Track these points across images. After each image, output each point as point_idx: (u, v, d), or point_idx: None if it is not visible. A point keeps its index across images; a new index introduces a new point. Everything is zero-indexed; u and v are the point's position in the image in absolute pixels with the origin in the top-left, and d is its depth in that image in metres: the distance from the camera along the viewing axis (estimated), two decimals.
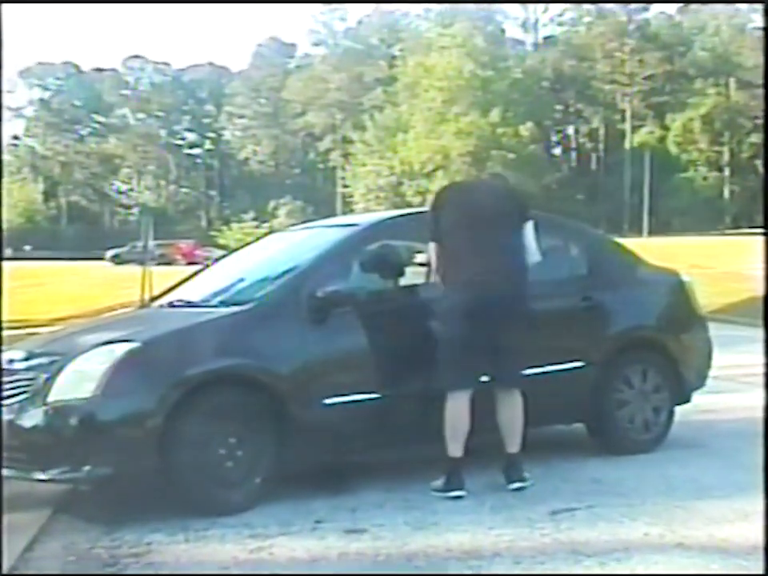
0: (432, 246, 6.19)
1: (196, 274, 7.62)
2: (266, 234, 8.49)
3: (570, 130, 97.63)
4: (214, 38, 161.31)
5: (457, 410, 5.94)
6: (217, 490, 5.58)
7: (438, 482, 5.93)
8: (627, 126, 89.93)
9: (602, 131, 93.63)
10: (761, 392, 8.17)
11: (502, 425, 6.10)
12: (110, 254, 60.65)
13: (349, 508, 5.68)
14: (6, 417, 5.52)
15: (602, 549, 4.82)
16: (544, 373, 6.53)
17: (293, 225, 10.38)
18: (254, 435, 5.69)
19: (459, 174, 76.32)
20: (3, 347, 6.39)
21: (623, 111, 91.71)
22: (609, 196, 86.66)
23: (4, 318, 7.15)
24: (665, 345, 7.27)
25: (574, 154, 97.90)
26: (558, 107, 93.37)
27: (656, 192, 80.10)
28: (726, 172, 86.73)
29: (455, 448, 5.96)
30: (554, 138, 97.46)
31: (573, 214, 52.64)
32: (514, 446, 6.10)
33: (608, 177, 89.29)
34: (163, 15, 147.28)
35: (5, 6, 8.48)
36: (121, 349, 5.51)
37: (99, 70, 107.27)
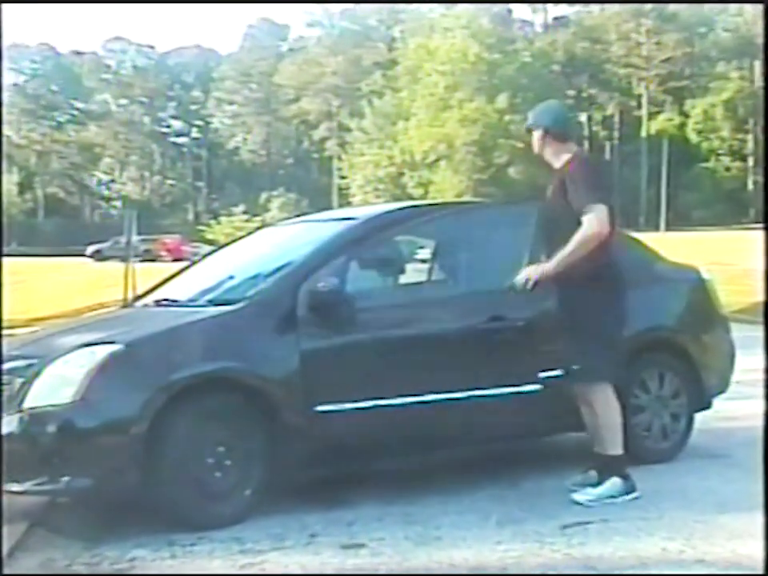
0: (603, 209, 6.01)
1: (182, 271, 7.62)
2: (257, 229, 8.49)
3: (583, 118, 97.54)
4: (202, 18, 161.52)
5: (615, 402, 6.02)
6: (205, 503, 5.58)
7: (606, 488, 5.96)
8: (644, 113, 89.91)
9: (616, 118, 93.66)
10: None
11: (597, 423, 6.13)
12: (90, 249, 60.69)
13: (346, 521, 5.68)
14: None
15: (617, 565, 4.82)
16: (554, 377, 6.53)
17: (286, 218, 10.37)
18: (245, 443, 5.69)
19: (463, 165, 76.54)
20: None
21: (639, 97, 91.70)
22: (624, 188, 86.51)
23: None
24: (684, 347, 7.27)
25: (586, 143, 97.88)
26: (570, 93, 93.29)
27: (674, 183, 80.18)
28: (750, 162, 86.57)
29: (618, 444, 6.03)
30: None
31: None
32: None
33: (623, 167, 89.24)
34: None
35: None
36: (102, 351, 5.50)
37: (78, 52, 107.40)
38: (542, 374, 6.47)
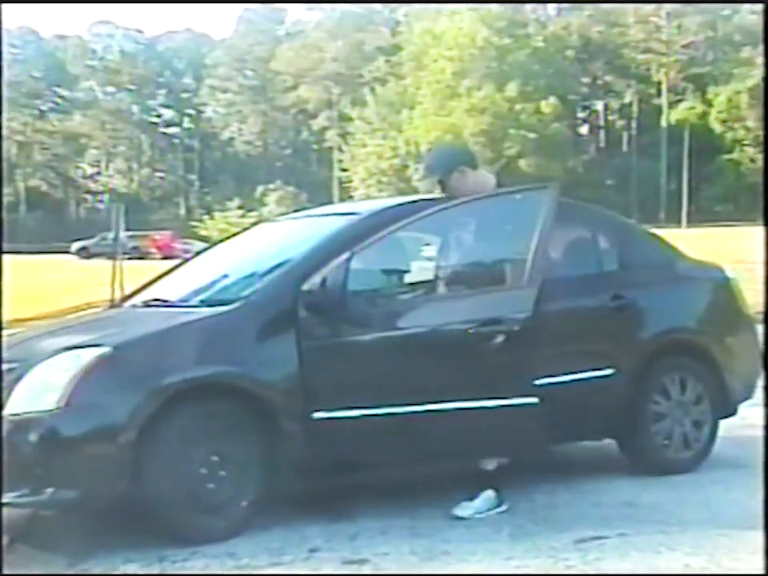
0: None
1: (174, 269, 7.61)
2: (253, 224, 8.49)
3: (599, 106, 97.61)
4: (193, 0, 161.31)
5: None
6: (197, 515, 5.58)
7: (481, 501, 6.04)
8: (663, 101, 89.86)
9: (634, 107, 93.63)
10: None
11: None
12: (75, 246, 60.74)
13: (348, 535, 5.68)
14: None
15: None
16: (568, 382, 6.54)
17: (283, 213, 10.36)
18: (240, 452, 5.69)
19: None
20: None
21: (659, 84, 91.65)
22: (642, 181, 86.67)
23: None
24: (707, 350, 7.28)
25: (602, 133, 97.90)
26: (585, 80, 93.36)
27: (696, 176, 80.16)
28: None
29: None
30: (580, 115, 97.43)
31: (601, 200, 52.57)
32: None
33: (641, 159, 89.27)
34: None
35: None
36: (88, 355, 5.50)
37: (62, 36, 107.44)
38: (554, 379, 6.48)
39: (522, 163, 77.12)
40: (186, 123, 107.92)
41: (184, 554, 5.35)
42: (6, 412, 5.41)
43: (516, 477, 6.18)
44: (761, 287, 7.77)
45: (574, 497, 6.36)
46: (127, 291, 8.24)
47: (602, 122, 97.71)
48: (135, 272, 15.59)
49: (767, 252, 7.09)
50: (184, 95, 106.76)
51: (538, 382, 6.17)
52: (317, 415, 5.81)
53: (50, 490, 5.31)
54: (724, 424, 7.35)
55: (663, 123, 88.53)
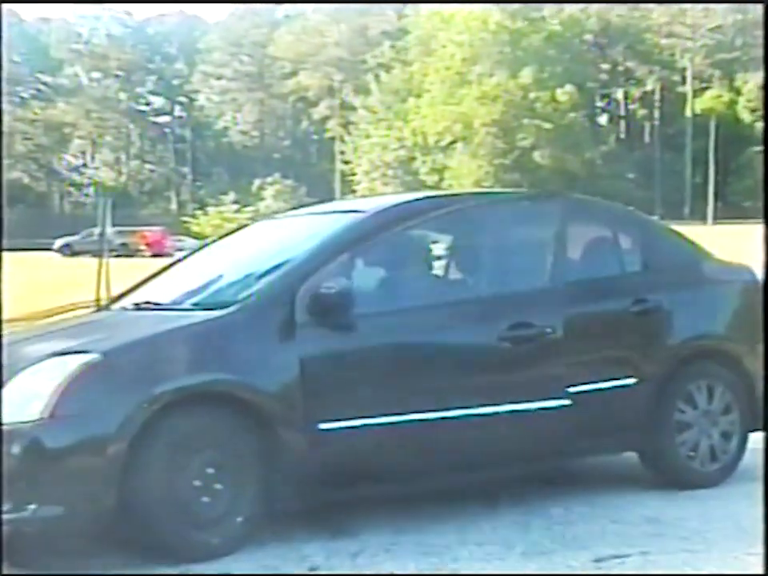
0: None
1: (165, 269, 7.63)
2: (249, 221, 8.51)
3: (619, 94, 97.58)
4: None
5: None
6: (191, 531, 5.58)
7: None
8: (688, 89, 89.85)
9: (657, 95, 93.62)
10: None
11: None
12: (59, 243, 60.85)
13: (350, 553, 5.69)
14: None
15: None
16: (587, 392, 6.55)
17: (281, 209, 10.37)
18: (237, 465, 5.70)
19: (483, 148, 76.58)
20: None
21: (684, 70, 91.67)
22: (666, 174, 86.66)
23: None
24: (735, 356, 7.28)
25: (623, 124, 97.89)
26: (604, 66, 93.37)
27: (723, 169, 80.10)
28: None
29: None
30: (599, 104, 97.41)
31: (621, 196, 52.59)
32: None
33: (665, 151, 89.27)
34: None
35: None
36: (75, 361, 5.51)
37: (45, 19, 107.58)
38: (572, 389, 6.51)
39: (537, 155, 77.18)
40: (178, 112, 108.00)
41: (176, 573, 5.35)
42: None
43: (530, 490, 6.19)
44: None
45: (592, 512, 6.36)
46: (115, 292, 8.25)
47: (622, 112, 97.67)
48: (123, 271, 15.62)
49: (767, 252, 7.10)
50: (175, 82, 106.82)
51: (554, 392, 6.19)
52: (324, 426, 5.83)
53: (32, 506, 5.30)
54: (753, 435, 7.34)
55: (688, 112, 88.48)
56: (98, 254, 20.84)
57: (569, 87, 79.89)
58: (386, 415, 6.01)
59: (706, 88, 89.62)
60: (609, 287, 7.00)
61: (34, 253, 50.05)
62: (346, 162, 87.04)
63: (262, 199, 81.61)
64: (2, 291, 7.85)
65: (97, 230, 23.52)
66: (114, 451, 5.38)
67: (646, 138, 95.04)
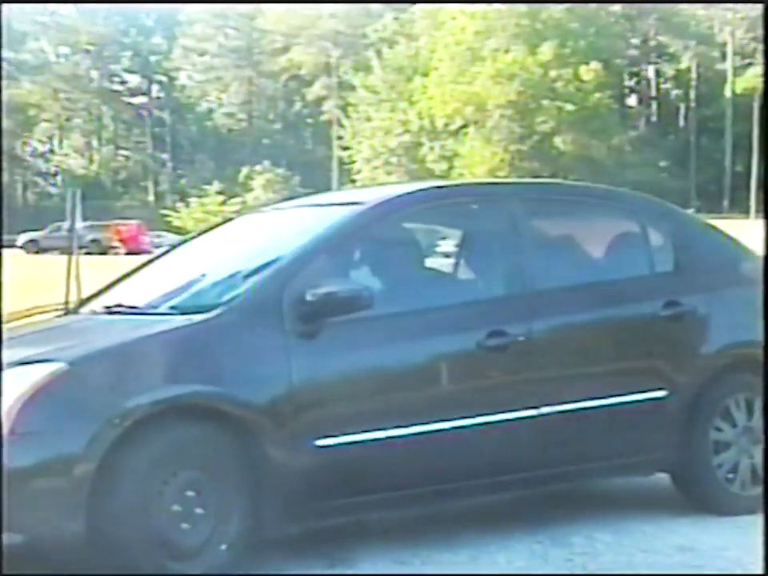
0: None
1: (141, 267, 7.63)
2: (236, 214, 8.51)
3: (650, 72, 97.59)
4: None
5: None
6: (168, 562, 5.57)
7: None
8: (728, 66, 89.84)
9: (693, 73, 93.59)
10: None
11: None
12: (23, 238, 60.88)
13: None
14: None
15: None
16: (613, 405, 6.56)
17: (272, 201, 10.38)
18: (220, 487, 5.70)
19: (497, 133, 76.59)
20: None
21: (723, 46, 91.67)
22: (703, 162, 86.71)
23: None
24: None
25: (654, 105, 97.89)
26: (634, 41, 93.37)
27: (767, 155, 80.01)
28: None
29: None
30: (628, 83, 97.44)
31: (653, 186, 52.57)
32: None
33: (701, 135, 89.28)
34: None
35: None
36: (39, 372, 5.52)
37: None
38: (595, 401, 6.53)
39: (558, 141, 77.18)
40: (156, 92, 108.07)
41: None
42: None
43: (549, 515, 6.18)
44: None
45: (618, 540, 6.36)
46: (85, 294, 8.26)
47: (653, 92, 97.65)
48: (94, 270, 15.63)
49: (767, 249, 7.12)
50: (153, 58, 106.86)
51: (571, 405, 6.21)
52: (321, 443, 5.84)
53: None
54: None
55: (728, 92, 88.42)
56: (66, 250, 20.84)
57: (594, 64, 79.81)
58: (391, 428, 6.03)
59: (749, 65, 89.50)
60: (636, 289, 7.00)
61: None
62: (345, 149, 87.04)
63: (250, 190, 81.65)
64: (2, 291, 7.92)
65: (65, 224, 23.57)
66: (82, 472, 5.38)
67: (681, 122, 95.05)
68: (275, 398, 5.85)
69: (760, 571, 4.66)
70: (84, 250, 22.95)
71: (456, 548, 6.14)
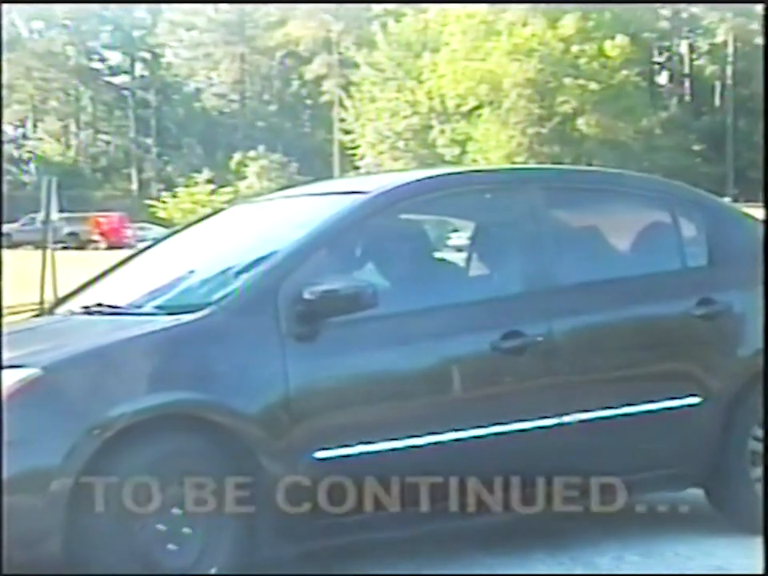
0: None
1: (123, 263, 7.65)
2: (227, 204, 8.53)
3: (683, 47, 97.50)
4: None
5: None
6: None
7: None
8: None
9: (730, 48, 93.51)
10: None
11: None
12: None
13: None
14: None
15: None
16: (641, 413, 6.56)
17: (267, 190, 10.40)
18: (210, 504, 5.71)
19: (514, 114, 76.50)
20: None
21: (764, 18, 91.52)
22: (740, 145, 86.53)
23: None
24: None
25: (687, 83, 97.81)
26: (664, 12, 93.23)
27: None
28: None
29: None
30: (658, 60, 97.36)
31: (685, 172, 52.46)
32: None
33: (739, 116, 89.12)
34: None
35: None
36: (10, 378, 5.53)
37: None
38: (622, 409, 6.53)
39: (581, 122, 77.02)
40: (139, 70, 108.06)
41: None
42: None
43: (573, 534, 6.17)
44: None
45: (646, 562, 6.37)
46: (62, 293, 8.27)
47: (686, 69, 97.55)
48: (73, 266, 15.65)
49: (766, 246, 7.13)
50: (136, 33, 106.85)
51: (594, 414, 6.22)
52: (321, 455, 5.85)
53: None
54: None
55: None
56: (41, 245, 20.89)
57: (620, 39, 79.62)
58: (397, 439, 6.04)
59: None
60: (667, 285, 7.01)
61: None
62: (347, 132, 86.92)
63: (242, 177, 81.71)
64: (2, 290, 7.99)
65: (40, 216, 23.52)
66: (59, 487, 5.40)
67: (716, 101, 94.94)
68: (270, 406, 5.86)
69: (760, 571, 4.56)
70: (61, 245, 22.98)
71: (466, 567, 6.15)
